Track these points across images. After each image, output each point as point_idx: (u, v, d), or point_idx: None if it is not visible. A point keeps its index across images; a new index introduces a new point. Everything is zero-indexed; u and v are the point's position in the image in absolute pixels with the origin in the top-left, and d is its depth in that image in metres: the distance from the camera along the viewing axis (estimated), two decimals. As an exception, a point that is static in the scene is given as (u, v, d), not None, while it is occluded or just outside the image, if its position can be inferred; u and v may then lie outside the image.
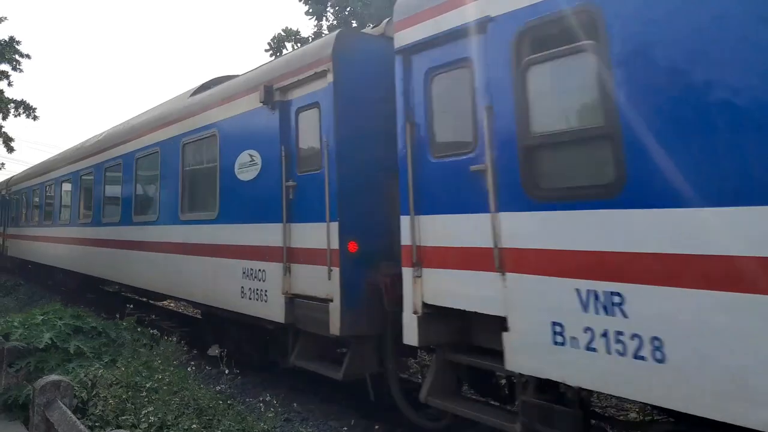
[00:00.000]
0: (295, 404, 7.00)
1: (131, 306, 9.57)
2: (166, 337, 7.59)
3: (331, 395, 7.41)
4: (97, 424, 5.53)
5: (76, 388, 5.87)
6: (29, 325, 7.27)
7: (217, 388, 6.45)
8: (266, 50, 25.17)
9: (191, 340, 8.75)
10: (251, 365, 7.75)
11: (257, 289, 7.03)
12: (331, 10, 23.80)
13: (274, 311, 6.69)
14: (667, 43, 3.50)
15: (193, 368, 6.75)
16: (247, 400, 6.34)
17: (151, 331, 8.23)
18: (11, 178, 27.55)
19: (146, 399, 5.69)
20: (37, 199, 20.16)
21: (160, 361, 6.76)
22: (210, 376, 6.60)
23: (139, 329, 8.26)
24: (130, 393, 5.92)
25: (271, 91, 6.98)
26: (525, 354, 4.24)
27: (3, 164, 40.50)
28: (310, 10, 23.49)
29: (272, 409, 5.71)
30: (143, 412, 5.40)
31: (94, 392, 6.14)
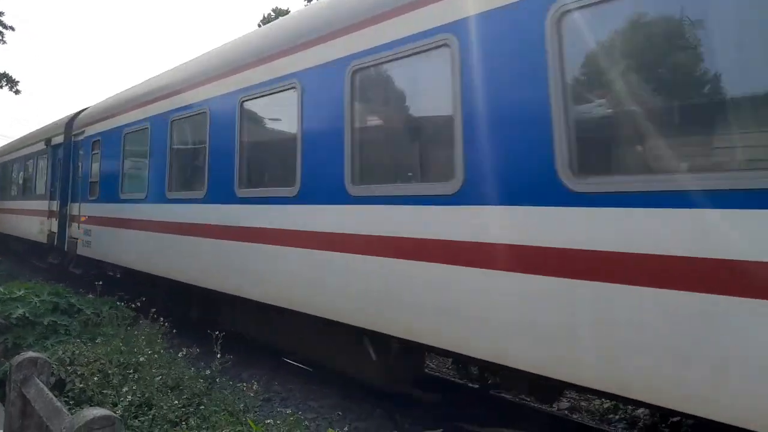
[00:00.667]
0: (276, 383, 6.98)
1: (100, 283, 9.39)
2: (152, 316, 7.48)
3: (311, 376, 7.39)
4: (73, 401, 5.45)
5: (54, 365, 5.77)
6: (5, 299, 7.13)
7: (198, 367, 6.40)
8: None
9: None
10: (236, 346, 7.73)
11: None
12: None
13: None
14: None
15: (176, 347, 6.67)
16: (229, 381, 6.28)
17: (131, 307, 8.11)
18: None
19: (128, 377, 5.61)
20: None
21: (141, 339, 6.66)
22: (193, 356, 6.53)
23: (117, 306, 8.13)
24: (111, 371, 5.84)
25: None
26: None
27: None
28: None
29: (252, 389, 5.68)
30: (123, 390, 5.32)
31: (72, 370, 6.05)
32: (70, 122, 14.57)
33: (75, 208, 13.41)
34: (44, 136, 16.60)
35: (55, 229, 14.57)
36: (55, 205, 14.84)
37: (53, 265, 15.56)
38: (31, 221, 17.16)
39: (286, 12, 24.94)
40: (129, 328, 7.34)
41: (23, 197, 18.91)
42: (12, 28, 37.22)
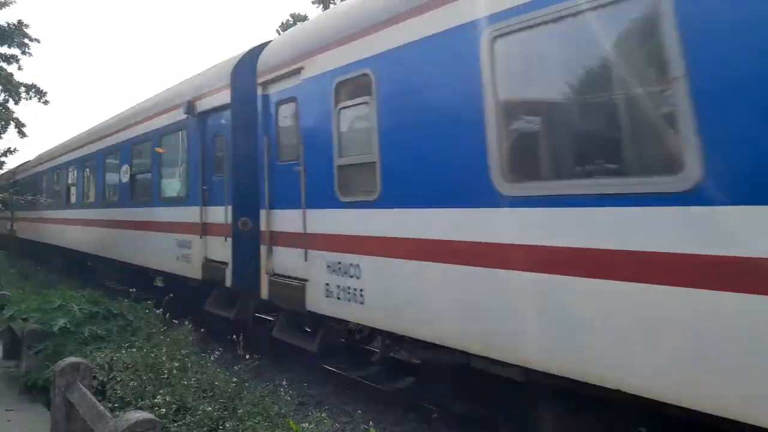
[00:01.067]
0: (308, 386, 7.11)
1: (134, 290, 9.47)
2: (185, 322, 7.67)
3: (344, 381, 7.50)
4: (116, 405, 5.63)
5: (96, 370, 5.96)
6: (46, 309, 7.36)
7: (233, 371, 6.55)
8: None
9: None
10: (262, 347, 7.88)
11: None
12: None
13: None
14: None
15: (209, 352, 6.83)
16: (263, 384, 6.42)
17: (166, 314, 8.28)
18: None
19: (164, 381, 5.77)
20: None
21: (175, 346, 6.84)
22: (225, 360, 6.70)
23: (153, 312, 8.32)
24: (147, 376, 6.00)
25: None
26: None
27: (16, 149, 40.74)
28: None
29: (287, 392, 5.81)
30: (161, 393, 5.48)
31: (111, 375, 6.23)
32: (250, 60, 8.47)
33: (282, 219, 7.42)
34: (181, 99, 10.22)
35: (221, 255, 8.69)
36: (220, 214, 8.78)
37: (226, 325, 8.92)
38: (160, 242, 10.80)
39: (305, 18, 25.12)
40: (164, 332, 7.52)
41: (135, 202, 12.47)
42: (38, 40, 38.06)
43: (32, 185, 23.96)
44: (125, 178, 12.98)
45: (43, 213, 21.30)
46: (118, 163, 13.69)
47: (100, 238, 14.75)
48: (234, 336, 7.06)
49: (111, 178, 14.44)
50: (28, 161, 28.19)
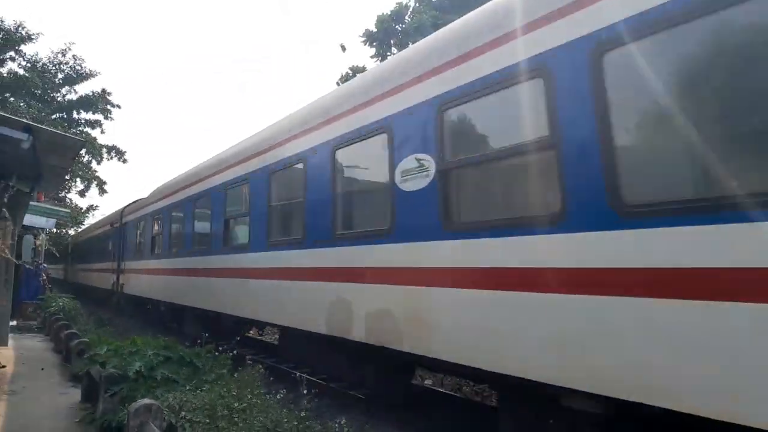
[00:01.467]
0: (369, 426, 7.15)
1: (207, 335, 9.86)
2: (250, 364, 7.94)
3: (406, 422, 7.50)
4: (185, 445, 5.87)
5: (166, 411, 6.24)
6: (123, 354, 7.82)
7: (297, 411, 6.70)
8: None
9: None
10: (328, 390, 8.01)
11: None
12: (395, 50, 24.69)
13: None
14: None
15: (273, 392, 7.03)
16: (326, 422, 6.54)
17: (229, 356, 8.57)
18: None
19: (233, 420, 5.99)
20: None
21: (240, 387, 7.08)
22: (288, 399, 6.87)
23: (219, 356, 8.64)
24: (216, 416, 6.24)
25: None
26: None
27: (97, 206, 43.59)
28: (376, 53, 24.63)
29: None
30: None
31: (181, 415, 6.51)
32: None
33: None
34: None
35: None
36: None
37: None
38: None
39: (362, 69, 26.00)
40: (230, 374, 7.79)
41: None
42: (119, 106, 40.98)
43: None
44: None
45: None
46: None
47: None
48: (299, 374, 7.25)
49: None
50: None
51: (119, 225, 22.96)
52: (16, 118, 9.83)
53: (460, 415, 7.36)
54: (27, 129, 8.99)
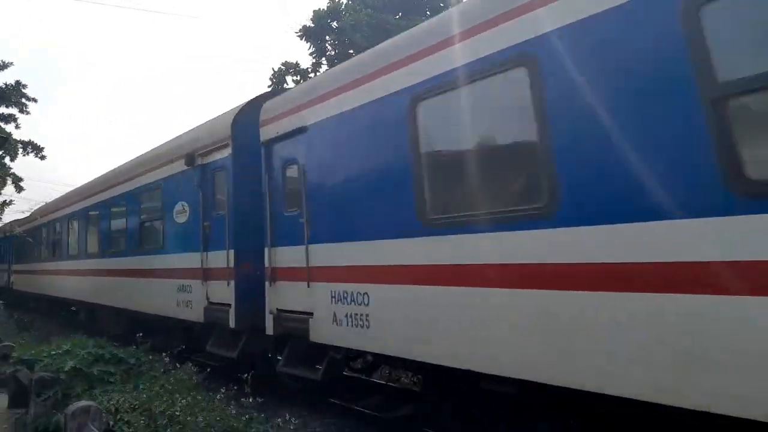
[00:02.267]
0: (312, 421, 7.27)
1: (141, 334, 9.68)
2: (188, 363, 7.87)
3: (348, 411, 7.67)
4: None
5: (104, 413, 6.13)
6: (54, 354, 7.59)
7: (235, 410, 6.70)
8: (269, 86, 25.79)
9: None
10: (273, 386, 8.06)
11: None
12: (330, 43, 24.61)
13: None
14: None
15: (212, 392, 7.01)
16: (268, 418, 6.59)
17: (164, 356, 8.40)
18: None
19: (175, 420, 5.96)
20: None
21: (181, 386, 7.02)
22: (229, 398, 6.85)
23: (152, 355, 8.50)
24: (154, 417, 6.17)
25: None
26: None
27: (12, 201, 41.17)
28: (313, 49, 24.49)
29: (291, 427, 5.98)
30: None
31: (119, 417, 6.40)
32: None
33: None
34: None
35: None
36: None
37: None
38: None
39: (296, 65, 25.76)
40: (166, 374, 7.70)
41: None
42: (35, 100, 38.83)
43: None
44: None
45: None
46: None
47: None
48: (243, 375, 7.20)
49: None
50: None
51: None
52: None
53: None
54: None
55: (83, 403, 5.62)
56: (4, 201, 40.30)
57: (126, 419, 6.27)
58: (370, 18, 22.75)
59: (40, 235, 22.94)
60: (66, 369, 6.98)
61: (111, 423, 6.31)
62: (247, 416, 6.11)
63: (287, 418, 6.24)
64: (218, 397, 6.72)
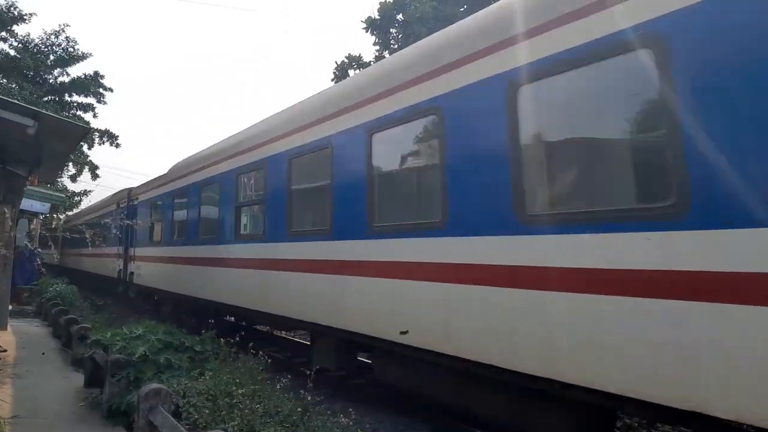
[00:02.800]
0: (367, 416, 7.42)
1: (212, 321, 10.27)
2: (252, 352, 8.17)
3: (402, 408, 7.79)
4: (190, 428, 6.10)
5: (173, 396, 6.47)
6: (128, 339, 8.04)
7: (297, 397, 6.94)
8: (332, 79, 26.16)
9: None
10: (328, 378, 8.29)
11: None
12: (394, 36, 24.68)
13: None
14: None
15: (275, 379, 7.27)
16: (325, 411, 6.79)
17: (231, 345, 8.78)
18: None
19: (235, 406, 6.23)
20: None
21: (243, 372, 7.32)
22: (288, 387, 7.10)
23: (221, 343, 8.86)
24: (219, 402, 6.47)
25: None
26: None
27: (90, 191, 43.31)
28: (378, 40, 24.65)
29: (346, 419, 6.15)
30: (231, 416, 5.93)
31: (186, 400, 6.74)
32: None
33: None
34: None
35: None
36: None
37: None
38: None
39: (359, 58, 26.03)
40: (233, 362, 8.03)
41: None
42: (111, 90, 40.67)
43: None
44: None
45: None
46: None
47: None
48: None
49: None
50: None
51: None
52: (24, 104, 9.91)
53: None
54: (33, 115, 9.09)
55: (155, 385, 5.93)
56: (84, 190, 42.48)
57: (193, 402, 6.60)
58: (436, 11, 22.68)
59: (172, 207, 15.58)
60: (137, 355, 7.37)
61: (180, 406, 6.66)
62: (301, 408, 6.30)
63: (347, 411, 6.43)
64: (278, 387, 6.97)
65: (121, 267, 20.32)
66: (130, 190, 20.58)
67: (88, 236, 21.56)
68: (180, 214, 14.69)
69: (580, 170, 4.87)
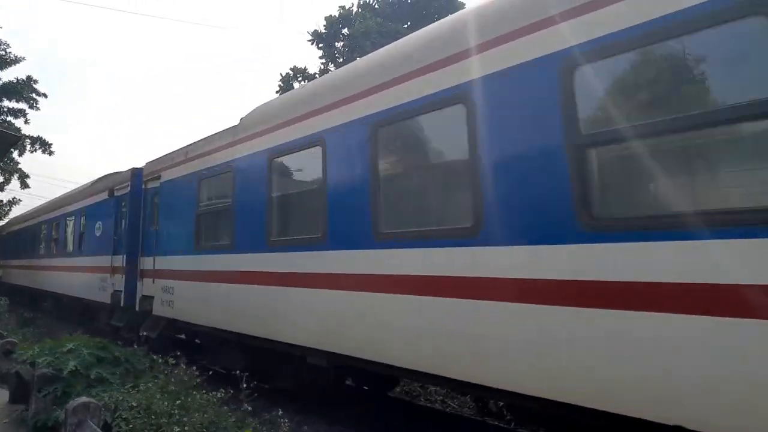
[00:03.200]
0: (305, 426, 7.43)
1: (144, 334, 10.12)
2: (183, 365, 8.03)
3: (337, 417, 7.84)
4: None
5: (102, 410, 6.30)
6: (57, 353, 7.77)
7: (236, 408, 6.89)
8: (276, 90, 26.10)
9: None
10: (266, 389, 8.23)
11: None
12: (339, 50, 24.89)
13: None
14: None
15: (208, 390, 7.19)
16: (264, 417, 6.79)
17: (168, 358, 8.61)
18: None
19: (171, 418, 6.13)
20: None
21: (176, 387, 7.20)
22: (226, 399, 7.03)
23: (155, 357, 8.69)
24: (151, 415, 6.35)
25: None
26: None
27: (19, 200, 41.40)
28: (324, 53, 24.82)
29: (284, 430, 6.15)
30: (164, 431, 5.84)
31: (117, 414, 6.57)
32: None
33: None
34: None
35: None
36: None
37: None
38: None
39: (304, 70, 26.09)
40: (166, 376, 7.88)
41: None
42: (45, 95, 39.16)
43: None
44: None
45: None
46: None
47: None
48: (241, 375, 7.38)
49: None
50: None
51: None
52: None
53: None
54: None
55: (83, 399, 5.77)
56: (12, 199, 40.64)
57: (124, 416, 6.44)
58: (380, 26, 23.04)
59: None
60: (67, 370, 7.15)
61: (109, 420, 6.49)
62: (235, 418, 6.28)
63: (280, 419, 6.43)
64: (219, 396, 6.90)
65: (121, 287, 13.45)
66: (138, 169, 13.75)
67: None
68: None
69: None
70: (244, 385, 6.53)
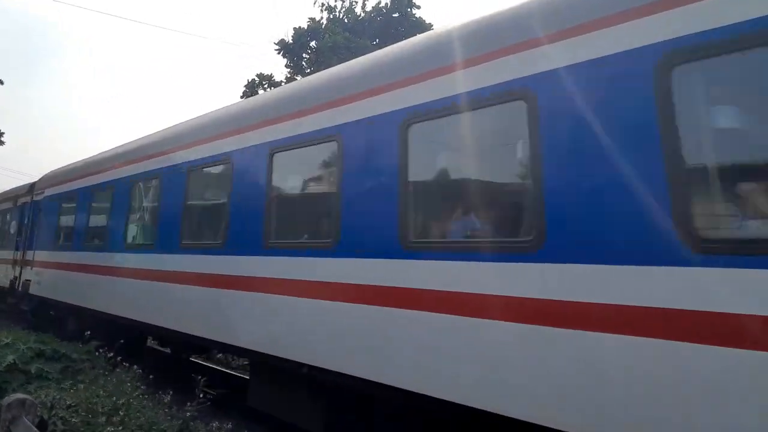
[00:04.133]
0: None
1: (89, 333, 9.91)
2: (125, 364, 7.95)
3: (279, 427, 7.87)
4: (57, 442, 5.90)
5: (39, 407, 6.22)
6: (-7, 347, 7.62)
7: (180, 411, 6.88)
8: (241, 95, 26.08)
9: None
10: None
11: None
12: (307, 60, 25.07)
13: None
14: None
15: (150, 394, 7.16)
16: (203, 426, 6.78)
17: (109, 356, 8.49)
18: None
19: (111, 419, 6.10)
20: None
21: (114, 386, 7.13)
22: (165, 401, 7.00)
23: (97, 354, 8.56)
24: (89, 415, 6.29)
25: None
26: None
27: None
28: (290, 64, 24.93)
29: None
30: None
31: (53, 412, 6.48)
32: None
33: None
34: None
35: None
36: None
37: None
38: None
39: (270, 77, 26.11)
40: (107, 373, 7.79)
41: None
42: (1, 82, 37.98)
43: None
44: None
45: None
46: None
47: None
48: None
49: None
50: None
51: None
52: None
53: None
54: None
55: (19, 395, 5.70)
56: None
57: (60, 415, 6.37)
58: (348, 41, 23.33)
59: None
60: (4, 365, 7.01)
61: (46, 417, 6.39)
62: (177, 420, 6.29)
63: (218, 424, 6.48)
64: (166, 400, 6.88)
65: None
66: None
67: None
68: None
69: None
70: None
